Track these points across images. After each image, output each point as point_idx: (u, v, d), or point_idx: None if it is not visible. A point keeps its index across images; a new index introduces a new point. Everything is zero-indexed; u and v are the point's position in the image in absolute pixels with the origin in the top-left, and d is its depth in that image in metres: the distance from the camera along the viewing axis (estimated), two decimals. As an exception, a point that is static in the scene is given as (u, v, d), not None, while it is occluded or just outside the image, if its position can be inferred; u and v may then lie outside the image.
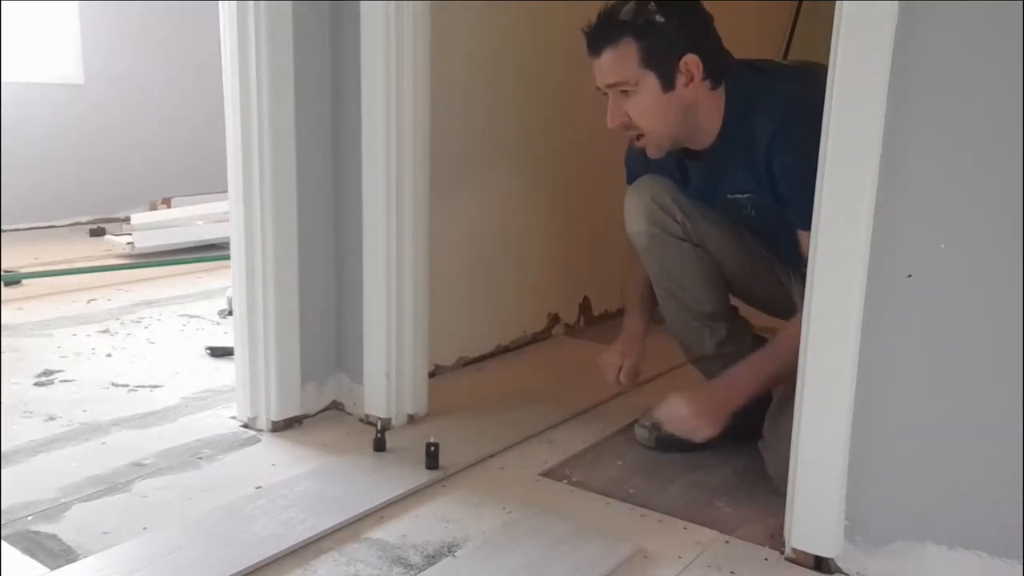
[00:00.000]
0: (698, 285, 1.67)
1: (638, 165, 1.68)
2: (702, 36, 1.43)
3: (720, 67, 1.45)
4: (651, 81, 1.42)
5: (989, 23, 1.05)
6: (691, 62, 1.41)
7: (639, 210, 1.65)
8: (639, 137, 1.49)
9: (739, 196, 1.53)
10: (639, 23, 1.40)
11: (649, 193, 1.64)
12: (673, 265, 1.66)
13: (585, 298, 2.60)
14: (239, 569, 1.22)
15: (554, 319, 2.51)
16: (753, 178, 1.48)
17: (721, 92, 1.47)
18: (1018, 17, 1.03)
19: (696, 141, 1.52)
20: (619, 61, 1.42)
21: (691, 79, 1.42)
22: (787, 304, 1.64)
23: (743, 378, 1.53)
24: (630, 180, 1.72)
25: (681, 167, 1.61)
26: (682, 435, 1.58)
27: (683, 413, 1.55)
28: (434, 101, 1.75)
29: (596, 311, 2.65)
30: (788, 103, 1.41)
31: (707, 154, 1.52)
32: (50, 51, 4.49)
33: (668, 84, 1.42)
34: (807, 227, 1.30)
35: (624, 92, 1.44)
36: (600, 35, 1.43)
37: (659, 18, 1.39)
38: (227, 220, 1.75)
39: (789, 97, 1.42)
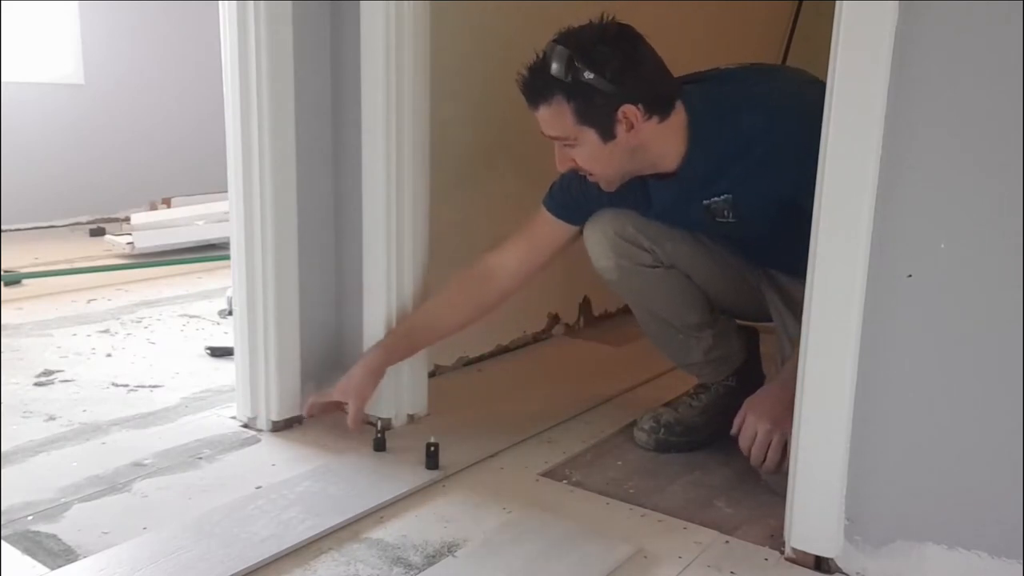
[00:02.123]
0: (677, 303, 1.65)
1: (587, 197, 1.59)
2: (636, 78, 1.35)
3: (666, 98, 1.39)
4: (590, 135, 1.38)
5: (989, 23, 1.05)
6: (629, 112, 1.35)
7: (603, 246, 1.61)
8: (591, 175, 1.47)
9: (716, 200, 1.48)
10: (568, 82, 1.33)
11: (611, 227, 1.60)
12: (648, 292, 1.65)
13: (585, 298, 2.60)
14: (239, 569, 1.22)
15: (554, 319, 2.51)
16: (740, 177, 1.43)
17: (676, 115, 1.41)
18: (1018, 17, 1.03)
19: (655, 168, 1.47)
20: (555, 118, 1.38)
21: (631, 126, 1.37)
22: (762, 306, 1.64)
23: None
24: (554, 203, 1.63)
25: (644, 188, 1.55)
26: (773, 460, 1.45)
27: (765, 428, 1.43)
28: (434, 101, 1.75)
29: (596, 311, 2.65)
30: (767, 96, 1.41)
31: (679, 173, 1.46)
32: (50, 51, 4.49)
33: (608, 135, 1.38)
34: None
35: (568, 145, 1.41)
36: (533, 91, 1.39)
37: (588, 75, 1.32)
38: (227, 220, 1.75)
39: (766, 91, 1.42)
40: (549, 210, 1.64)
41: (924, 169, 1.11)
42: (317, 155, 1.75)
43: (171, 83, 4.90)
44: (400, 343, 1.70)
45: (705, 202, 1.49)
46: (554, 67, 1.34)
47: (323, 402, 1.69)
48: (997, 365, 1.10)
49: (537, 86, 1.38)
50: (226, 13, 1.62)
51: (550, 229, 1.64)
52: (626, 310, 2.75)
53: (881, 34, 1.10)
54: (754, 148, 1.40)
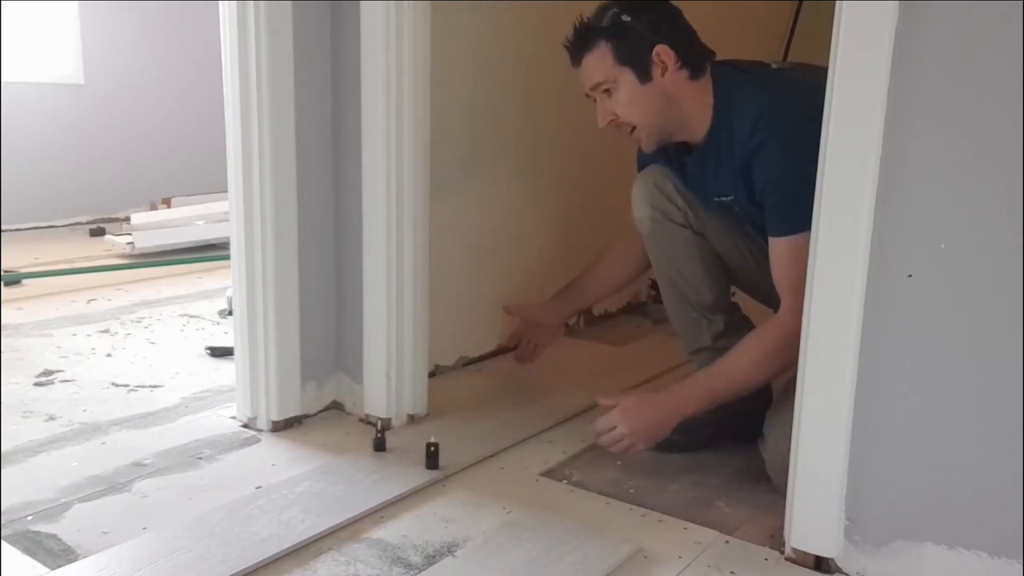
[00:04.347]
0: (698, 274, 1.70)
1: (647, 158, 1.72)
2: (671, 29, 1.49)
3: (696, 57, 1.50)
4: (628, 76, 1.49)
5: (989, 23, 1.05)
6: (662, 51, 1.47)
7: (642, 195, 1.70)
8: (632, 131, 1.56)
9: (724, 199, 1.57)
10: (608, 26, 1.48)
11: (653, 180, 1.69)
12: (674, 252, 1.70)
13: (585, 298, 2.60)
14: (239, 569, 1.22)
15: (554, 319, 2.50)
16: (732, 180, 1.52)
17: (705, 85, 1.51)
18: (1018, 17, 1.03)
19: (687, 132, 1.55)
20: (596, 63, 1.50)
21: (665, 68, 1.48)
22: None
23: (696, 398, 1.52)
24: (640, 171, 1.76)
25: (680, 165, 1.64)
26: (614, 451, 1.56)
27: (621, 431, 1.53)
28: (434, 101, 1.75)
29: (596, 311, 2.65)
30: (766, 108, 1.45)
31: (699, 150, 1.56)
32: (50, 51, 4.49)
33: (645, 76, 1.49)
34: (777, 233, 1.44)
35: (607, 91, 1.51)
36: (578, 44, 1.52)
37: (625, 18, 1.47)
38: (227, 220, 1.75)
39: (768, 102, 1.46)
40: None
41: (924, 169, 1.11)
42: (317, 155, 1.74)
43: (171, 83, 4.90)
44: (577, 294, 1.98)
45: (716, 200, 1.59)
46: (597, 15, 1.50)
47: (521, 313, 2.02)
48: (997, 365, 1.10)
49: (582, 37, 1.52)
50: (226, 13, 1.62)
51: None
52: (626, 310, 2.76)
53: (881, 34, 1.10)
54: (740, 150, 1.48)
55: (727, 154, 1.50)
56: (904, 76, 1.10)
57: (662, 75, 1.48)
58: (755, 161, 1.45)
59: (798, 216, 1.37)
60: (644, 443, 1.56)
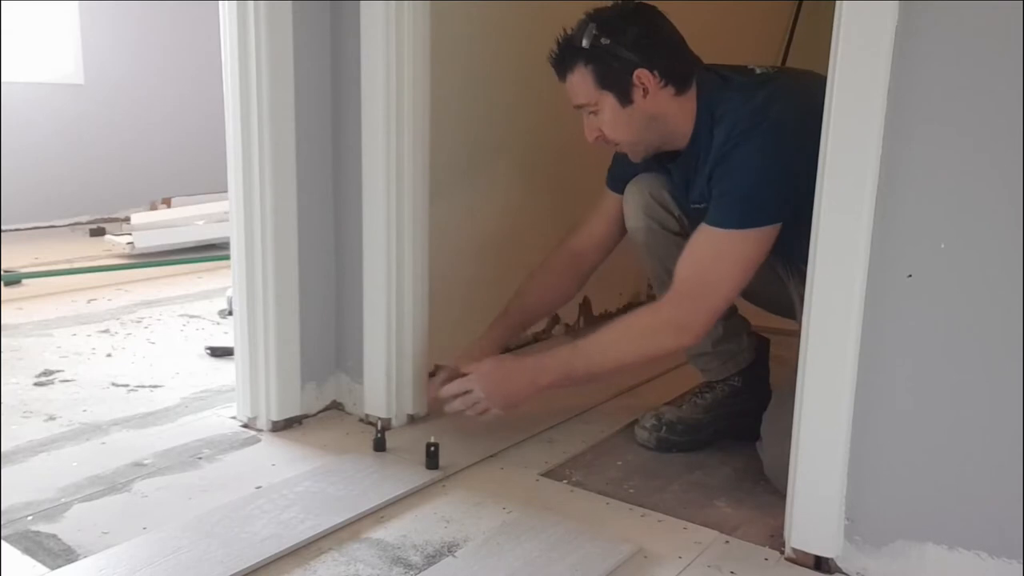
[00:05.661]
0: None
1: (628, 166, 1.69)
2: (654, 48, 1.47)
3: (681, 72, 1.49)
4: (610, 100, 1.48)
5: (989, 23, 1.05)
6: (643, 76, 1.45)
7: (637, 206, 1.68)
8: (618, 145, 1.56)
9: (699, 206, 1.54)
10: (587, 49, 1.46)
11: (648, 189, 1.68)
12: (670, 261, 1.66)
13: (585, 298, 2.60)
14: (239, 569, 1.22)
15: (554, 319, 2.50)
16: (705, 187, 1.50)
17: (691, 96, 1.50)
18: (1018, 17, 1.03)
19: (673, 143, 1.55)
20: (578, 86, 1.50)
21: (647, 91, 1.47)
22: (786, 301, 1.64)
23: (552, 369, 1.55)
24: (610, 180, 1.76)
25: (667, 172, 1.63)
26: (469, 415, 1.59)
27: (477, 395, 1.56)
28: (434, 101, 1.75)
29: (596, 311, 2.65)
30: (742, 118, 1.44)
31: (681, 157, 1.55)
32: (50, 51, 4.50)
33: (626, 100, 1.48)
34: (712, 222, 1.44)
35: (592, 112, 1.52)
36: (560, 63, 1.51)
37: (605, 40, 1.45)
38: (227, 220, 1.76)
39: (745, 111, 1.44)
40: (609, 187, 1.76)
41: (924, 169, 1.11)
42: (317, 155, 1.75)
43: (171, 83, 4.90)
44: (513, 325, 1.84)
45: (692, 206, 1.57)
46: (577, 36, 1.48)
47: (447, 377, 1.68)
48: (997, 365, 1.10)
49: (563, 57, 1.50)
50: (226, 13, 1.62)
51: (613, 202, 1.75)
52: (626, 310, 2.76)
53: (881, 34, 1.10)
54: (713, 158, 1.47)
55: (704, 162, 1.49)
56: (904, 76, 1.10)
57: (644, 97, 1.47)
58: (718, 166, 1.45)
59: (741, 214, 1.41)
60: (499, 407, 1.57)
